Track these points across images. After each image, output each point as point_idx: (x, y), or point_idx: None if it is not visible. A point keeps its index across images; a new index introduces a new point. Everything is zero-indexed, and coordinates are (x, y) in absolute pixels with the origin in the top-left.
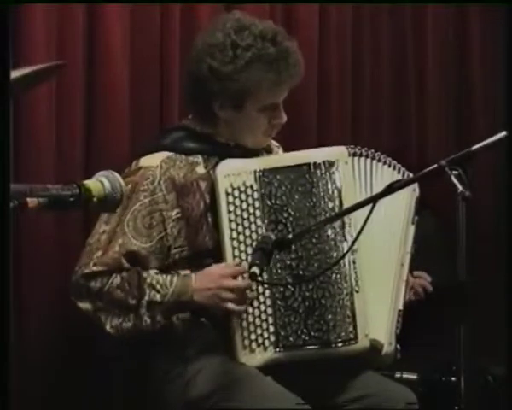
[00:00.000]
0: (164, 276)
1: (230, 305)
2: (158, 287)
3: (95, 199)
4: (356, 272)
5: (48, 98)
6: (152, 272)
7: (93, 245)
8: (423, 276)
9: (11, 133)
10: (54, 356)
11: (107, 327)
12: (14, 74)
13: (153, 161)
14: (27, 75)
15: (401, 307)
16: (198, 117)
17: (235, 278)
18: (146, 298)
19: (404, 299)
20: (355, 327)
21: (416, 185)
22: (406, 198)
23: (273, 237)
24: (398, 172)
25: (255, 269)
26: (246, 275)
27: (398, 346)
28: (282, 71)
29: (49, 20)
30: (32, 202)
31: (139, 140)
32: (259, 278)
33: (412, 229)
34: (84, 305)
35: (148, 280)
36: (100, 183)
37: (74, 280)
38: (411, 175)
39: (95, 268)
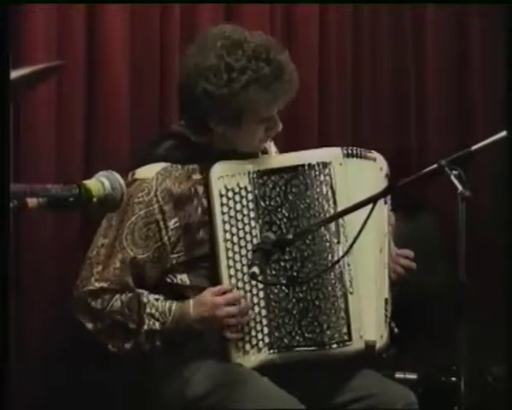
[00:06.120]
0: (163, 303)
1: (226, 332)
2: (157, 315)
3: (95, 199)
4: (350, 274)
5: (48, 99)
6: (151, 298)
7: (92, 259)
8: (406, 254)
9: (11, 134)
10: (54, 356)
11: (109, 347)
12: (14, 74)
13: (148, 172)
14: (27, 75)
15: (387, 296)
16: (192, 127)
17: (228, 304)
18: (145, 327)
19: (389, 284)
20: (349, 328)
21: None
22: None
23: (273, 237)
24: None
25: (255, 269)
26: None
27: (396, 329)
28: (278, 89)
29: (49, 20)
30: (31, 202)
31: (139, 141)
32: (259, 278)
33: (385, 209)
34: (86, 323)
35: (148, 310)
36: (100, 183)
37: (76, 295)
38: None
39: (97, 284)
